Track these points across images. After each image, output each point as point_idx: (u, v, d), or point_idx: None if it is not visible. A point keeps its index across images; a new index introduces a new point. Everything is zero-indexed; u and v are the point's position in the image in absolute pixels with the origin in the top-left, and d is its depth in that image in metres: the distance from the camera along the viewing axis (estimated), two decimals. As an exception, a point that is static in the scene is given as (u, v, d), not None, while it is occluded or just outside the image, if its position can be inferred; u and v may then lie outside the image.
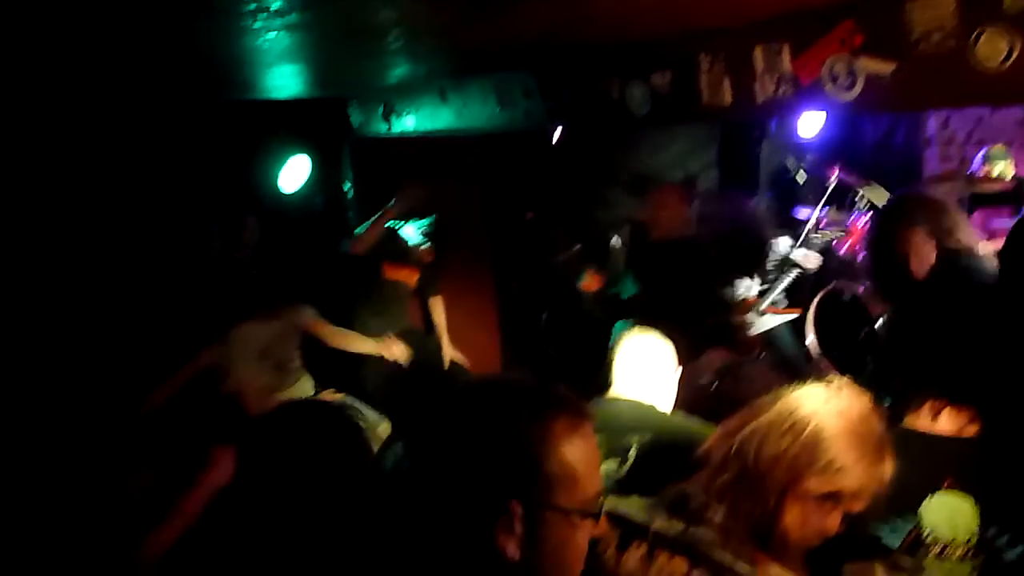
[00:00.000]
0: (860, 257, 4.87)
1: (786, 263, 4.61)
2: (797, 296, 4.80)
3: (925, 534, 1.57)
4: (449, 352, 4.62)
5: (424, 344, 4.51)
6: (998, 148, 4.83)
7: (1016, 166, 4.78)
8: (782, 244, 4.60)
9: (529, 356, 5.58)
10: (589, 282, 4.91)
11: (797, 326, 4.73)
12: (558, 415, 1.14)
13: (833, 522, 1.37)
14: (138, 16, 1.99)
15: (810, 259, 4.53)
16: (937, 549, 1.56)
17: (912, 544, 1.57)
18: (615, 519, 1.42)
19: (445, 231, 4.44)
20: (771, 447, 1.38)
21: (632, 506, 1.47)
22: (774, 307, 4.55)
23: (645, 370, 2.28)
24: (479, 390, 1.23)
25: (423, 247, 4.40)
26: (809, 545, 1.40)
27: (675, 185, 4.31)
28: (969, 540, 1.54)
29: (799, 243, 5.26)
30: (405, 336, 4.38)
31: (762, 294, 4.57)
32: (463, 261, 5.50)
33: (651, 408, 2.22)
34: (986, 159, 4.78)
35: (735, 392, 5.26)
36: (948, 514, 1.55)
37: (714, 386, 5.03)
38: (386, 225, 4.46)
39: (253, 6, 1.82)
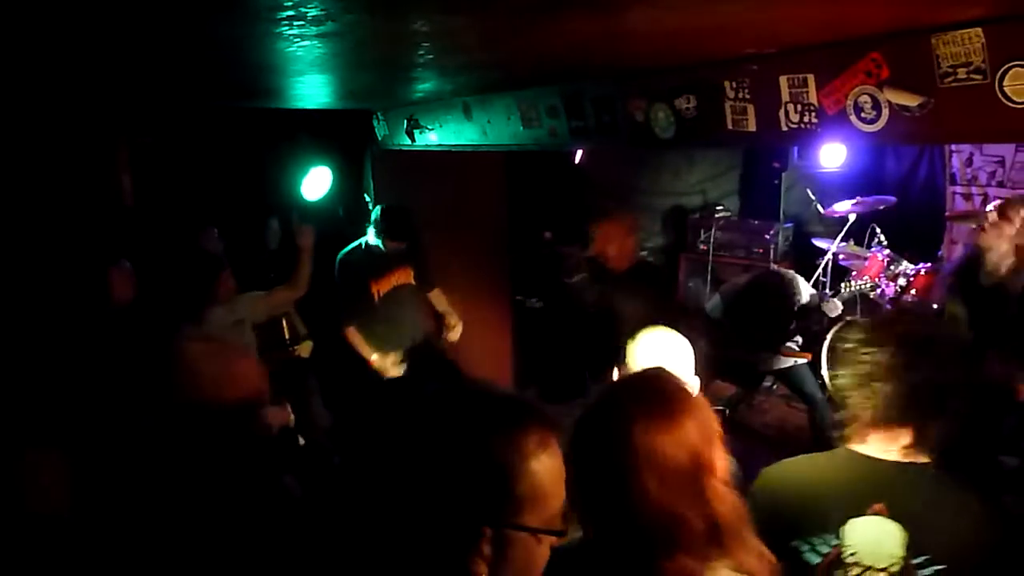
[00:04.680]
0: (879, 292, 4.86)
1: (812, 311, 4.62)
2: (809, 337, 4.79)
3: (846, 554, 1.54)
4: (456, 329, 4.61)
5: (433, 354, 4.51)
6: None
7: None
8: (804, 293, 4.61)
9: (540, 371, 5.58)
10: None
11: (813, 364, 4.71)
12: (527, 431, 1.11)
13: None
14: (171, 19, 2.03)
15: (835, 308, 4.55)
16: (856, 571, 1.53)
17: (831, 563, 1.55)
18: None
19: (395, 220, 4.32)
20: None
21: None
22: (790, 350, 4.56)
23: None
24: (446, 405, 1.16)
25: (391, 244, 4.30)
26: None
27: (618, 217, 4.28)
28: (889, 567, 1.50)
29: (814, 282, 5.26)
30: (418, 349, 4.40)
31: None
32: (485, 273, 5.53)
33: None
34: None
35: (748, 421, 5.28)
36: (873, 537, 1.52)
37: (727, 413, 5.04)
38: (352, 244, 4.46)
39: (290, 12, 1.85)
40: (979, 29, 1.99)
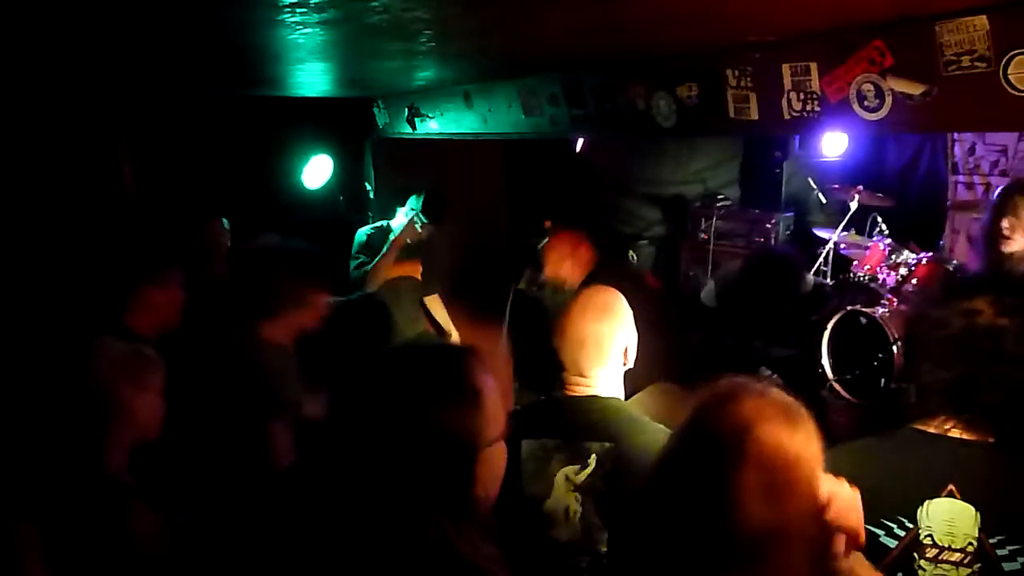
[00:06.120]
0: (879, 280, 4.85)
1: (809, 300, 4.61)
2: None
3: (922, 536, 1.56)
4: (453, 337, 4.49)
5: None
6: None
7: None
8: (803, 282, 4.60)
9: (538, 359, 5.57)
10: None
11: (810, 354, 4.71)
12: (475, 360, 1.27)
13: None
14: (174, 4, 2.02)
15: (808, 284, 4.53)
16: (933, 553, 1.55)
17: (908, 545, 1.57)
18: None
19: (437, 203, 4.27)
20: None
21: None
22: (786, 339, 4.55)
23: (600, 348, 1.96)
24: (400, 366, 1.28)
25: (417, 223, 4.21)
26: None
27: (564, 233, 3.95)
28: (967, 546, 1.53)
29: (815, 271, 5.26)
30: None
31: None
32: (484, 261, 5.51)
33: (613, 408, 1.94)
34: None
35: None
36: (947, 517, 1.54)
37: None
38: (375, 224, 4.41)
39: (292, -1, 1.84)
40: (983, 17, 1.98)
